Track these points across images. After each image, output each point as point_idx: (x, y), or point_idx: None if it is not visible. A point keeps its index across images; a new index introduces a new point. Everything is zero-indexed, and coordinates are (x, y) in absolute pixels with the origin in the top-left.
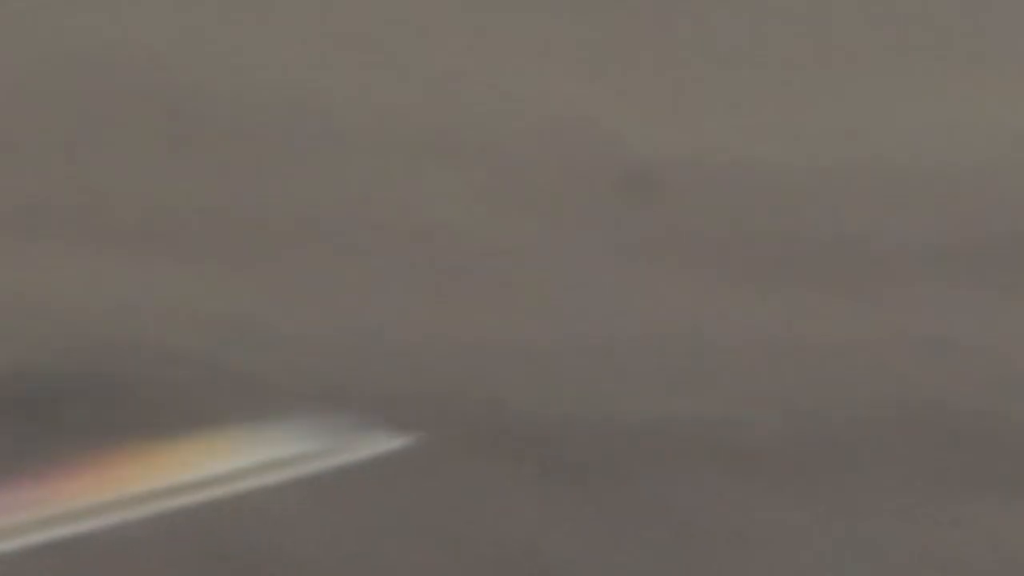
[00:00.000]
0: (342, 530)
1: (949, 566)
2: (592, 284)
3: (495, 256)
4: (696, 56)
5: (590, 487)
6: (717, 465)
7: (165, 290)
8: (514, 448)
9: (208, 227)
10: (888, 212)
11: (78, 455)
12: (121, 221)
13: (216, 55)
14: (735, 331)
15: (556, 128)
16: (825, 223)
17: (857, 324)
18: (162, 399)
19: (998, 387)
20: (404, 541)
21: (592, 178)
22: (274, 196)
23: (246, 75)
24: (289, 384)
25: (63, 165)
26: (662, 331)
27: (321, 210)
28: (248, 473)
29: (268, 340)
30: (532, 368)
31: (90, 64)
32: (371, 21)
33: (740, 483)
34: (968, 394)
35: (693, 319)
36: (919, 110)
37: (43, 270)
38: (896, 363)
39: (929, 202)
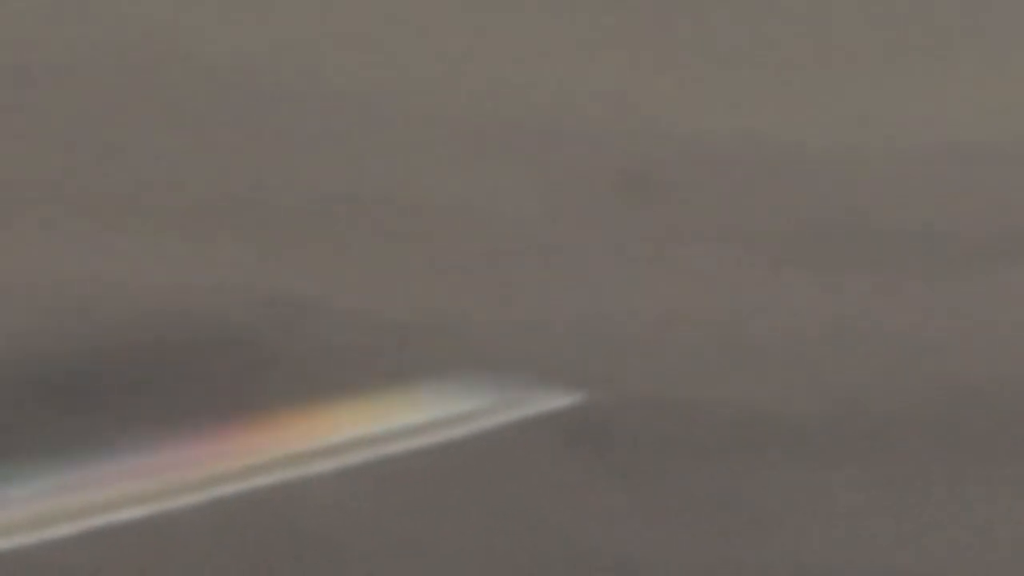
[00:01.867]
0: (388, 515)
1: (994, 545)
2: (633, 270)
3: (531, 240)
4: (708, 41)
5: (634, 471)
6: (759, 448)
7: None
8: (558, 431)
9: (260, 207)
10: (922, 196)
11: (236, 417)
12: (180, 202)
13: (256, 35)
14: (776, 315)
15: (585, 114)
16: (863, 207)
17: (898, 307)
18: (323, 361)
19: None
20: (449, 526)
21: (619, 163)
22: (311, 178)
23: (288, 59)
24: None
25: (125, 148)
26: (704, 316)
27: (358, 192)
28: (414, 431)
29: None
30: (573, 351)
31: (136, 44)
32: (395, 8)
33: (782, 466)
34: (1008, 376)
35: (733, 304)
36: (932, 92)
37: (121, 252)
38: (935, 345)
39: (959, 185)
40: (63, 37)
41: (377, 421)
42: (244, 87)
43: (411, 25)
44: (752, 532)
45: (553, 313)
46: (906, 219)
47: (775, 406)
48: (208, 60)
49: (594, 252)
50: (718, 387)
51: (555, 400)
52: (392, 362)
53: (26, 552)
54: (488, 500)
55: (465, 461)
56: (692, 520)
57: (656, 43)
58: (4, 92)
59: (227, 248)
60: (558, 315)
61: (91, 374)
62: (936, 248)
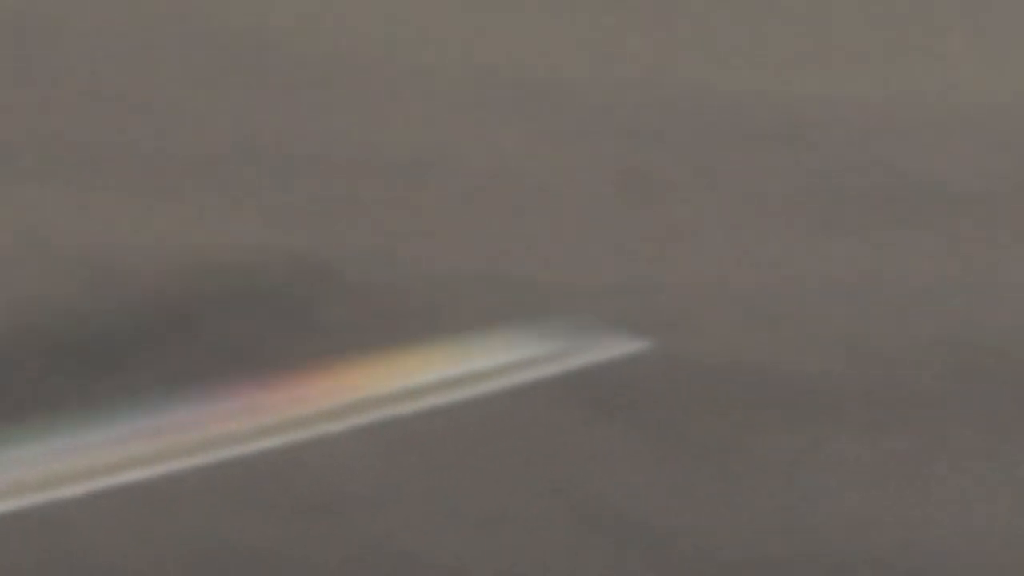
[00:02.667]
0: (406, 474)
1: (1016, 506)
2: (664, 230)
3: (582, 200)
4: (774, 4)
5: (660, 430)
6: (785, 407)
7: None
8: (578, 390)
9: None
10: (948, 154)
11: (263, 374)
12: (203, 161)
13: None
14: (797, 274)
15: (646, 78)
16: (888, 166)
17: (921, 266)
18: (400, 306)
19: None
20: (468, 484)
21: (674, 126)
22: (347, 134)
23: (318, 19)
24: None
25: (152, 108)
26: (726, 276)
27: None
28: (489, 375)
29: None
30: (605, 311)
31: (156, 5)
32: None
33: (800, 425)
34: None
35: (755, 264)
36: (961, 51)
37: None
38: (958, 304)
39: (985, 144)
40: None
41: (422, 373)
42: (270, 49)
43: None
44: (769, 490)
45: (578, 272)
46: (932, 178)
47: (794, 366)
48: (230, 22)
49: (612, 217)
50: (739, 346)
51: (605, 351)
52: (430, 317)
53: (42, 511)
54: (507, 458)
55: (480, 420)
56: (710, 478)
57: (675, 1)
58: (21, 54)
59: (253, 207)
60: (583, 274)
61: (113, 334)
62: (961, 207)
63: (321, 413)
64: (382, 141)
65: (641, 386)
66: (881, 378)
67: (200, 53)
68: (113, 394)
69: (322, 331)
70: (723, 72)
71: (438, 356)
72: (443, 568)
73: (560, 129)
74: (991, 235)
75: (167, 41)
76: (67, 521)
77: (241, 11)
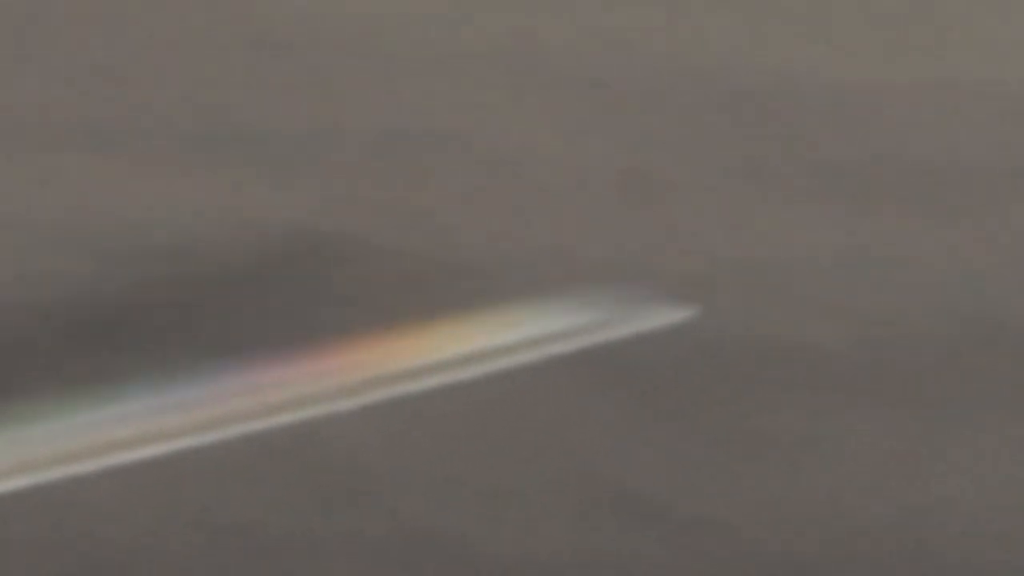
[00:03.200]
0: (414, 452)
1: (1012, 477)
2: (675, 205)
3: (593, 177)
4: None
5: (664, 404)
6: (795, 381)
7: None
8: (588, 367)
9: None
10: (952, 131)
11: (341, 336)
12: (213, 136)
13: None
14: (806, 249)
15: (655, 56)
16: (892, 142)
17: (927, 241)
18: (425, 281)
19: None
20: (479, 463)
21: (685, 101)
22: (369, 112)
23: None
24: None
25: (161, 82)
26: (735, 250)
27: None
28: (534, 344)
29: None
30: (616, 286)
31: None
32: None
33: (810, 399)
34: None
35: (765, 238)
36: (963, 28)
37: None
38: (962, 280)
39: (989, 121)
40: None
41: (461, 344)
42: (292, 24)
43: None
44: (782, 466)
45: (583, 247)
46: (935, 154)
47: (804, 339)
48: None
49: (627, 187)
50: (748, 320)
51: (645, 322)
52: (456, 290)
53: (53, 489)
54: (521, 436)
55: (494, 398)
56: (721, 453)
57: None
58: (46, 27)
59: (274, 181)
60: (588, 248)
61: (129, 310)
62: (965, 183)
63: (343, 388)
64: (406, 116)
65: (654, 363)
66: (895, 353)
67: (220, 28)
68: (128, 370)
69: (343, 305)
70: (734, 51)
71: (476, 327)
72: (457, 545)
73: (579, 106)
74: (1005, 213)
75: (192, 16)
76: (80, 499)
77: None
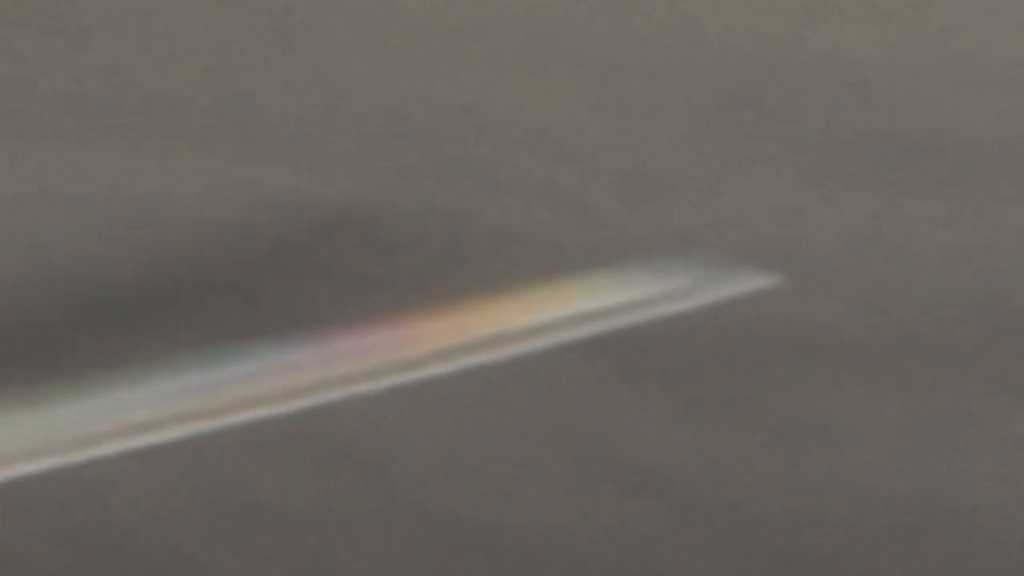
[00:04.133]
0: (429, 435)
1: None
2: (685, 182)
3: (612, 156)
4: None
5: (690, 388)
6: (811, 364)
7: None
8: (607, 349)
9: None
10: (990, 116)
11: (384, 311)
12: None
13: None
14: (835, 232)
15: (662, 35)
16: (929, 127)
17: (952, 224)
18: (529, 244)
19: None
20: (496, 446)
21: (692, 81)
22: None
23: None
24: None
25: (186, 63)
26: (763, 232)
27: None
28: (619, 311)
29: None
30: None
31: None
32: None
33: (833, 383)
34: None
35: (789, 219)
36: (1006, 11)
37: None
38: (988, 264)
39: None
40: None
41: (668, 281)
42: (316, 3)
43: None
44: (802, 448)
45: (610, 223)
46: (970, 137)
47: (829, 323)
48: None
49: (658, 168)
50: (762, 303)
51: (734, 288)
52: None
53: (74, 471)
54: (540, 418)
55: (512, 380)
56: (739, 435)
57: None
58: (70, 11)
59: (284, 161)
60: (615, 225)
61: (142, 292)
62: (990, 165)
63: (364, 370)
64: (427, 92)
65: (672, 345)
66: (919, 336)
67: (239, 8)
68: (149, 352)
69: (368, 285)
70: (776, 26)
71: (559, 295)
72: (474, 525)
73: (598, 79)
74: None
75: None
76: (101, 481)
77: None
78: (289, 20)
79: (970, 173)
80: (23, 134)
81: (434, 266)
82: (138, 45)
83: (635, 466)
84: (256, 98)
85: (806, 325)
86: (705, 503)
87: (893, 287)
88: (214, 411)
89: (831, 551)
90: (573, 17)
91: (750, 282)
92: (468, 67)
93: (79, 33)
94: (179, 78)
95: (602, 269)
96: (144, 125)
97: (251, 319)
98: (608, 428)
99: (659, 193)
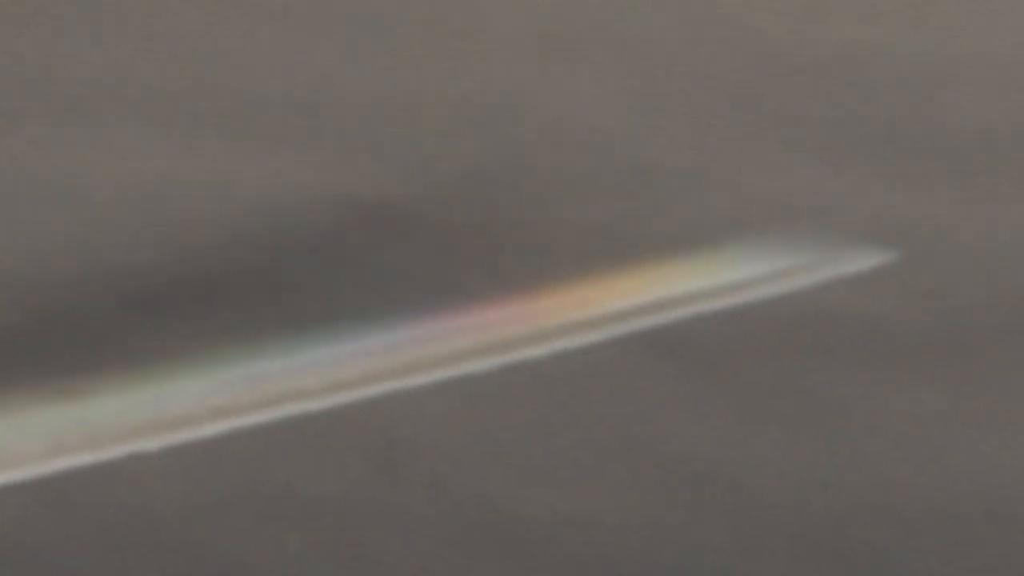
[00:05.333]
0: (479, 429)
1: None
2: (721, 169)
3: (639, 146)
4: None
5: (726, 378)
6: (858, 358)
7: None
8: (650, 341)
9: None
10: (1013, 103)
11: (435, 304)
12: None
13: None
14: (868, 221)
15: (687, 23)
16: (953, 115)
17: (1002, 216)
18: (565, 236)
19: None
20: (544, 439)
21: (728, 69)
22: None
23: None
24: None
25: (229, 56)
26: (799, 220)
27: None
28: (735, 287)
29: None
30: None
31: None
32: None
33: (872, 372)
34: None
35: (828, 209)
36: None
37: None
38: None
39: None
40: None
41: (784, 258)
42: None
43: None
44: (845, 440)
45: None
46: (998, 127)
47: (871, 314)
48: None
49: (696, 157)
50: (806, 293)
51: (840, 267)
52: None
53: (119, 465)
54: (583, 411)
55: (561, 373)
56: (787, 429)
57: None
58: (106, 1)
59: (326, 153)
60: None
61: (183, 285)
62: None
63: (420, 362)
64: (471, 85)
65: (711, 336)
66: (958, 327)
67: (282, 1)
68: (188, 346)
69: (414, 278)
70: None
71: (597, 288)
72: (518, 519)
73: (642, 72)
74: None
75: None
76: (140, 475)
77: None
78: (318, 12)
79: (1011, 165)
80: (60, 125)
81: (466, 259)
82: (171, 36)
83: (681, 459)
84: (289, 91)
85: (852, 319)
86: (753, 496)
87: (934, 280)
88: (253, 405)
89: (879, 544)
90: (602, 8)
91: (856, 262)
92: (499, 59)
93: (124, 25)
94: (210, 70)
95: (633, 259)
96: (177, 117)
97: (288, 313)
98: (654, 421)
99: (685, 185)
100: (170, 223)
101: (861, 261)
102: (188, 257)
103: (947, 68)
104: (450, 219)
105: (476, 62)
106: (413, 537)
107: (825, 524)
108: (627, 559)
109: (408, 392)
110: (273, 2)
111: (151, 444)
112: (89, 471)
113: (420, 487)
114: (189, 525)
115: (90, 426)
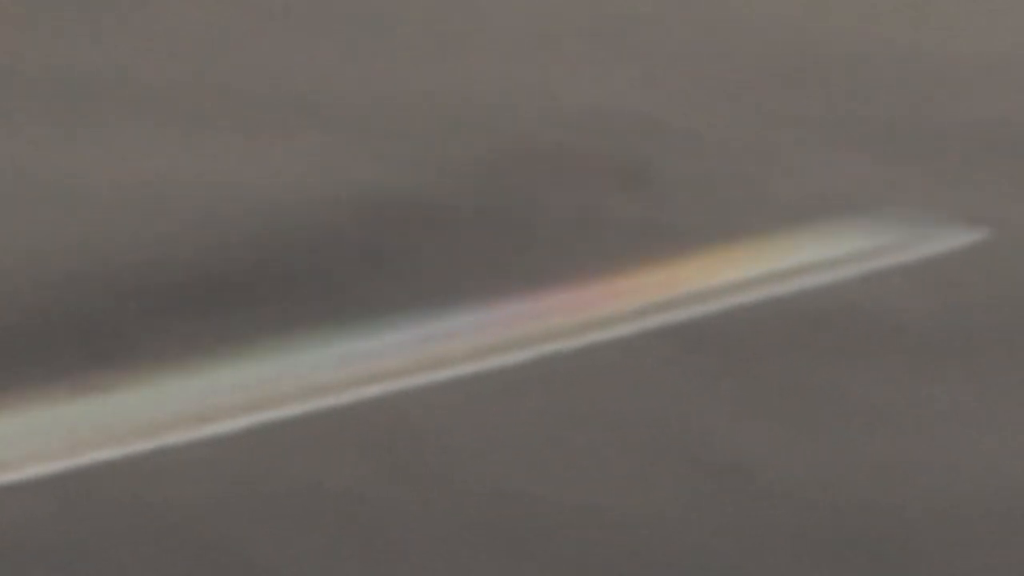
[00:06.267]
0: (505, 423)
1: None
2: (739, 162)
3: (674, 139)
4: None
5: (750, 372)
6: (885, 352)
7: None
8: (677, 337)
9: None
10: None
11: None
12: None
13: None
14: (899, 214)
15: (727, 17)
16: (985, 112)
17: (1009, 211)
18: (607, 229)
19: None
20: (567, 432)
21: (758, 66)
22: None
23: None
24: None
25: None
26: (819, 212)
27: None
28: (825, 266)
29: None
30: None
31: None
32: None
33: (897, 367)
34: None
35: (851, 206)
36: None
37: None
38: None
39: None
40: None
41: (877, 236)
42: None
43: None
44: (866, 432)
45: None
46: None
47: (898, 311)
48: None
49: (712, 151)
50: (832, 288)
51: (942, 243)
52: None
53: (147, 459)
54: (612, 404)
55: (590, 367)
56: (807, 421)
57: None
58: None
59: (354, 148)
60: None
61: (210, 279)
62: None
63: (467, 352)
64: (494, 80)
65: (740, 330)
66: (988, 325)
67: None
68: (217, 340)
69: (444, 273)
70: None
71: (688, 268)
72: (547, 513)
73: (685, 67)
74: None
75: None
76: (168, 469)
77: None
78: (322, 9)
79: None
80: (60, 124)
81: (507, 253)
82: (172, 33)
83: (709, 454)
84: (293, 88)
85: (879, 313)
86: (781, 491)
87: (957, 271)
88: (274, 401)
89: (901, 540)
90: (609, 1)
91: (957, 237)
92: (505, 54)
93: (150, 19)
94: (213, 68)
95: (652, 254)
96: (179, 116)
97: (320, 308)
98: (682, 415)
99: (703, 179)
100: (178, 221)
101: (895, 256)
102: (217, 251)
103: (998, 66)
104: (466, 214)
105: (482, 57)
106: (435, 532)
107: (848, 519)
108: (652, 553)
109: (429, 387)
110: (318, 1)
111: (173, 440)
112: (110, 467)
113: (443, 482)
114: (210, 520)
115: (111, 422)
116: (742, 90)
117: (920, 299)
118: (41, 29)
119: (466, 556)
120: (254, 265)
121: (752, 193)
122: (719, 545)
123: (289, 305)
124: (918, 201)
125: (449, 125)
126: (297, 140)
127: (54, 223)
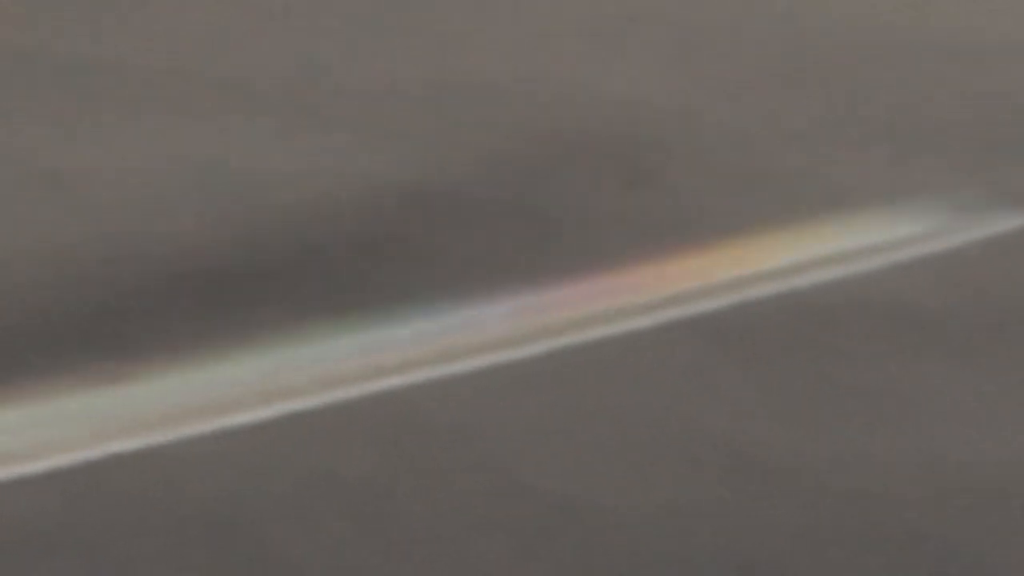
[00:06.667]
0: (522, 414)
1: None
2: (767, 152)
3: (687, 127)
4: None
5: (769, 364)
6: (906, 342)
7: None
8: (697, 330)
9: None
10: None
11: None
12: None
13: None
14: (926, 205)
15: (735, 6)
16: (1006, 96)
17: None
18: (620, 222)
19: None
20: (586, 425)
21: (779, 52)
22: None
23: None
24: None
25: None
26: (840, 203)
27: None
28: (876, 250)
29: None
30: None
31: None
32: None
33: (918, 358)
34: None
35: (865, 192)
36: None
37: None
38: None
39: None
40: None
41: (925, 221)
42: None
43: None
44: (887, 424)
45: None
46: None
47: (917, 301)
48: None
49: (742, 140)
50: (851, 280)
51: (987, 228)
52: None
53: (168, 449)
54: (635, 398)
55: (612, 360)
56: (827, 412)
57: None
58: None
59: (377, 140)
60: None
61: (237, 270)
62: None
63: (486, 343)
64: (516, 69)
65: (769, 323)
66: (1008, 317)
67: None
68: (239, 331)
69: (468, 265)
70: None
71: (713, 259)
72: (569, 506)
73: (702, 56)
74: None
75: None
76: (190, 459)
77: None
78: (383, 3)
79: None
80: (95, 116)
81: (517, 247)
82: (187, 22)
83: (724, 448)
84: (336, 80)
85: (901, 304)
86: (804, 482)
87: (973, 264)
88: (297, 391)
89: (925, 529)
90: None
91: (1002, 222)
92: (535, 41)
93: (182, 11)
94: (254, 59)
95: (677, 245)
96: (220, 106)
97: (332, 301)
98: (705, 408)
99: (732, 168)
100: (224, 207)
101: (913, 248)
102: (238, 242)
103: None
104: (477, 207)
105: (489, 51)
106: (447, 523)
107: (873, 510)
108: (667, 547)
109: (442, 380)
110: None
111: (187, 432)
112: (124, 458)
113: (464, 472)
114: (223, 512)
115: (125, 414)
116: (756, 81)
117: (936, 292)
118: (42, 22)
119: (479, 546)
120: (269, 257)
121: (768, 185)
122: (734, 539)
123: (302, 298)
124: (936, 192)
125: (457, 118)
126: (302, 132)
127: (60, 214)
